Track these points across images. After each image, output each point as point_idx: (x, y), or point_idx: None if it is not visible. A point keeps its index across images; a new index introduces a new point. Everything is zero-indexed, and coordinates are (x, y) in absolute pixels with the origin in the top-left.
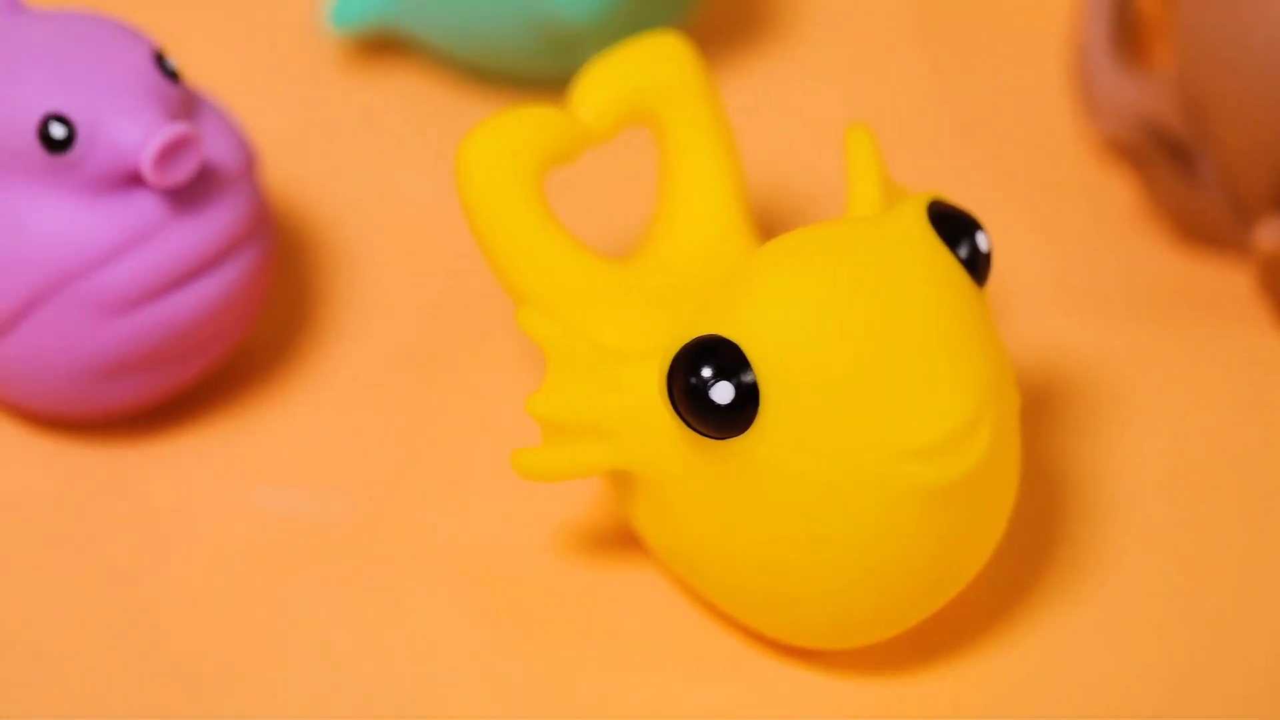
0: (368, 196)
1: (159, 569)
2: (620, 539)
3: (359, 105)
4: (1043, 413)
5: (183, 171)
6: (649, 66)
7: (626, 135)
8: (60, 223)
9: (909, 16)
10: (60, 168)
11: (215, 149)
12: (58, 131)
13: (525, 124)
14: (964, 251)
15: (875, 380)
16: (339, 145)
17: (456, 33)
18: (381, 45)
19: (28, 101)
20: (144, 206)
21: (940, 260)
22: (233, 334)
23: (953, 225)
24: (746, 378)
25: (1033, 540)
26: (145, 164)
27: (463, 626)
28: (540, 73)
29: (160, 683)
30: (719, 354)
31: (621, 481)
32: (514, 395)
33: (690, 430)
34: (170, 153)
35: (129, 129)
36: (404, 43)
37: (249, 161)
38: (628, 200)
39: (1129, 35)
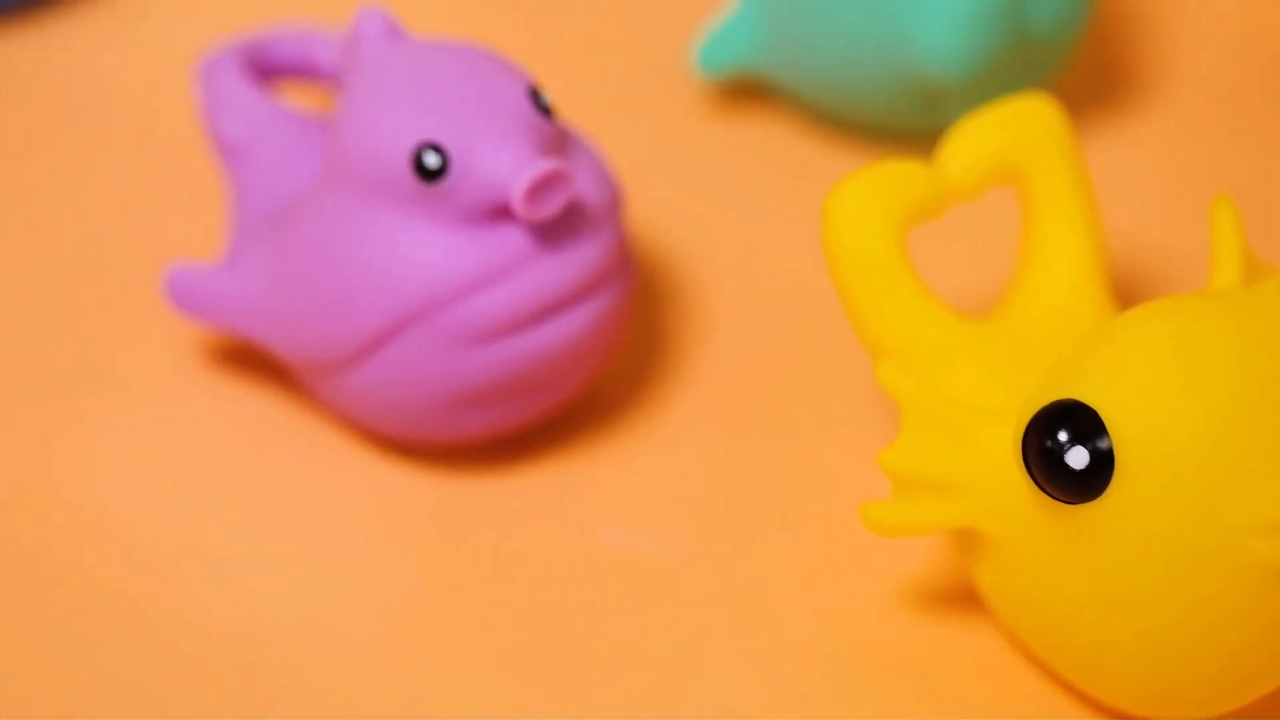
0: (724, 242)
1: (501, 596)
2: (960, 597)
3: (721, 149)
4: None
5: (552, 207)
6: (1018, 126)
7: (991, 193)
8: (428, 251)
9: (1277, 85)
10: (431, 197)
11: (584, 186)
12: (431, 161)
13: (894, 178)
14: None
15: (1230, 453)
16: (699, 188)
17: (822, 83)
18: (747, 91)
19: (403, 129)
20: (511, 239)
21: None
22: (588, 370)
23: None
24: (1103, 444)
25: None
26: (516, 198)
27: (794, 677)
28: (902, 126)
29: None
30: (1076, 418)
31: (967, 539)
32: (857, 449)
33: (1042, 493)
34: (541, 188)
35: (501, 162)
36: (769, 89)
37: (616, 200)
38: (989, 258)
39: None
